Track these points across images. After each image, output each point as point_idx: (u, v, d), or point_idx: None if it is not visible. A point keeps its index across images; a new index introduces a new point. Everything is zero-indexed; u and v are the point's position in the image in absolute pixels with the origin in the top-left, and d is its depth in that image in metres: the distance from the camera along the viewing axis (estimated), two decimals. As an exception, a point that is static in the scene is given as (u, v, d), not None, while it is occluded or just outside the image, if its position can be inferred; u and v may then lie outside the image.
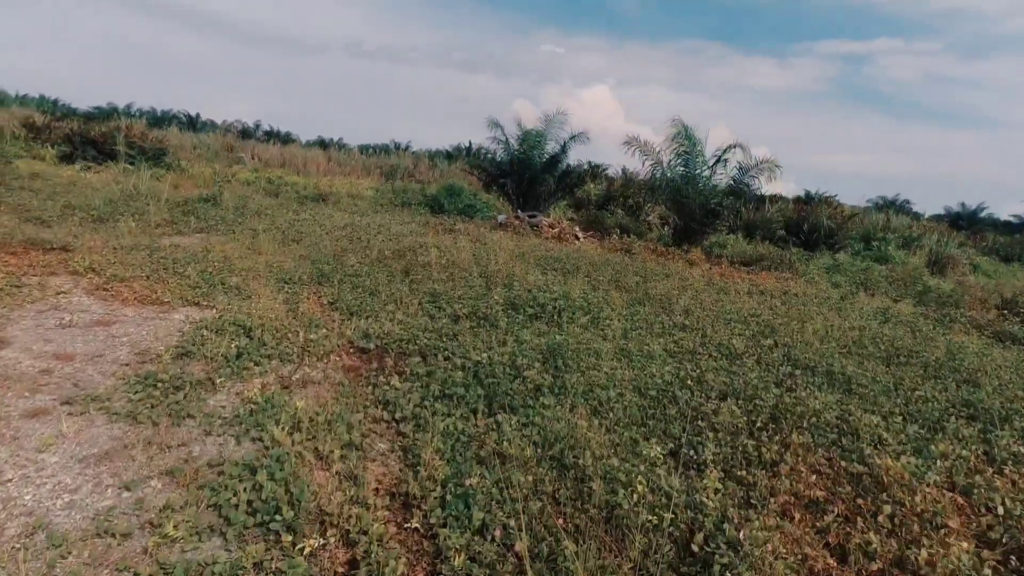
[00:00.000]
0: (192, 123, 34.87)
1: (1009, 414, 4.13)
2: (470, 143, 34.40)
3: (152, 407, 3.22)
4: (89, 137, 16.58)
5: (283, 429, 3.06)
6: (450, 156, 34.21)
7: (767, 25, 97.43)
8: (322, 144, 35.56)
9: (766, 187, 12.42)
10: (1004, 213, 31.17)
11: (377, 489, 2.76)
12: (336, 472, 2.80)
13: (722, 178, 12.36)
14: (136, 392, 3.38)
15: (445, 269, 7.12)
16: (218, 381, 3.62)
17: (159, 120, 32.46)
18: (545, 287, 6.67)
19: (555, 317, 5.41)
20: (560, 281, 7.05)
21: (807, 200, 26.31)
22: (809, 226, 17.90)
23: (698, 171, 12.28)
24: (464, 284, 6.57)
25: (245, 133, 34.34)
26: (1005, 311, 9.10)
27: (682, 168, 12.48)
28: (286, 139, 36.51)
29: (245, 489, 2.51)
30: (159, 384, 3.46)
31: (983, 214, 28.89)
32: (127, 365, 3.81)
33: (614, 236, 11.97)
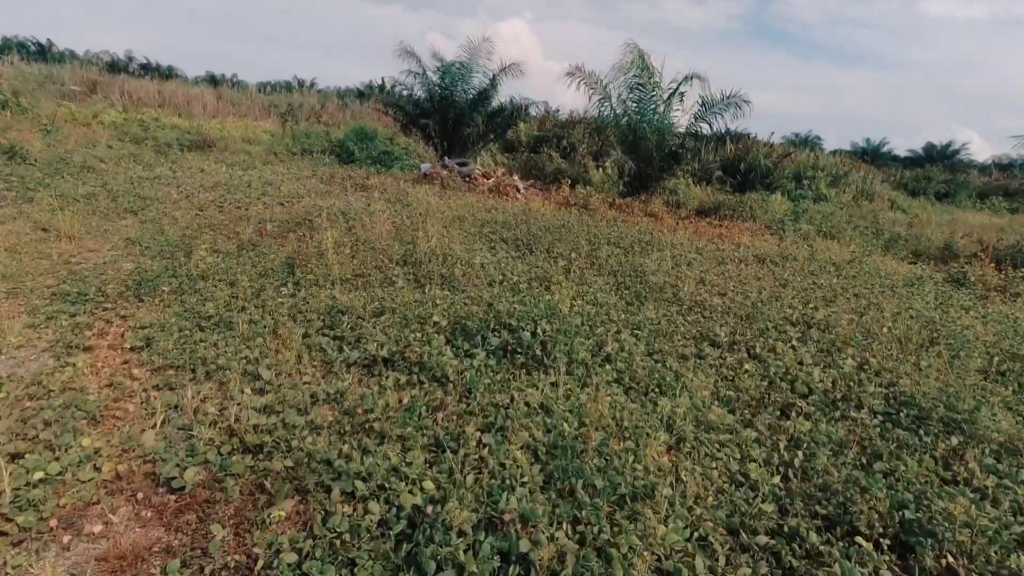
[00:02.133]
0: (43, 52, 27.67)
1: None
2: (383, 80, 29.78)
3: None
4: None
5: None
6: (361, 95, 29.64)
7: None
8: (213, 80, 29.60)
9: (732, 124, 10.40)
10: (898, 148, 31.76)
11: None
12: None
13: (678, 115, 10.21)
14: None
15: (352, 256, 4.57)
16: None
17: (-3, 49, 25.34)
18: (502, 275, 4.36)
19: (540, 354, 3.12)
20: (523, 269, 4.72)
21: (730, 138, 25.08)
22: (746, 166, 16.51)
23: (654, 107, 10.02)
24: (382, 285, 4.09)
25: (114, 66, 27.75)
26: (998, 264, 7.91)
27: (635, 104, 10.16)
28: (168, 74, 30.11)
29: None
30: None
31: (885, 149, 29.07)
32: None
33: (564, 187, 9.63)
